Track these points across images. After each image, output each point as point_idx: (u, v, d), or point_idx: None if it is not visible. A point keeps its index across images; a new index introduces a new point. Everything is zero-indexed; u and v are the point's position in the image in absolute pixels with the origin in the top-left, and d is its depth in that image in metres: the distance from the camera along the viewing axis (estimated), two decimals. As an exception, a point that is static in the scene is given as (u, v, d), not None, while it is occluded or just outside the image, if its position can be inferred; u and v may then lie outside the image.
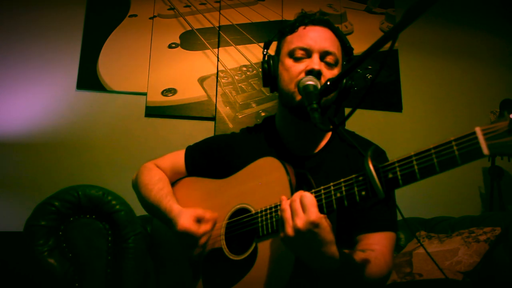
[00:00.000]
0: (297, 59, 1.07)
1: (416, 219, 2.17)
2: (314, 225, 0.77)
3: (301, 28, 1.09)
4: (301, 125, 1.12)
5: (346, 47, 1.13)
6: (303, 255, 0.82)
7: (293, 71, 1.06)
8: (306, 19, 1.10)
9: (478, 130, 0.62)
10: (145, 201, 1.20)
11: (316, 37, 1.07)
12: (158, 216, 1.16)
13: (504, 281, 1.57)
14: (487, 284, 1.62)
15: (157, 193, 1.17)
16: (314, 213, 0.77)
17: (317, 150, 1.14)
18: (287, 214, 0.80)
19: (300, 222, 0.77)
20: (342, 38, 1.13)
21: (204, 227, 1.04)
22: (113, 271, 1.32)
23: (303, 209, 0.79)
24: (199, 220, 1.05)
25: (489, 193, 2.52)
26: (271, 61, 1.13)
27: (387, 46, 0.78)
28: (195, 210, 1.06)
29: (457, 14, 3.05)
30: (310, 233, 0.77)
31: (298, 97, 1.04)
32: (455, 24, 3.03)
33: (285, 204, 0.82)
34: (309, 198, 0.79)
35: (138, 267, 1.34)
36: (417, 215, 2.21)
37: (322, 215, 0.79)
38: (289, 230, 0.79)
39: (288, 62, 1.08)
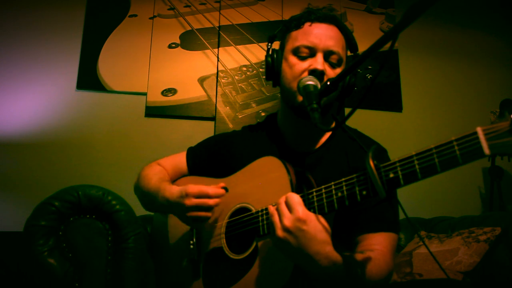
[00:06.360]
0: (301, 58, 1.06)
1: (416, 219, 2.16)
2: (302, 221, 0.77)
3: (307, 24, 1.08)
4: (301, 123, 1.11)
5: (351, 44, 1.12)
6: (297, 256, 0.81)
7: (296, 69, 1.05)
8: (312, 15, 1.08)
9: (479, 130, 0.62)
10: (143, 192, 1.18)
11: (321, 35, 1.05)
12: (156, 202, 1.11)
13: (504, 281, 1.57)
14: (487, 284, 1.62)
15: (156, 180, 1.15)
16: (300, 211, 0.78)
17: (317, 147, 1.14)
18: (275, 218, 0.81)
19: (288, 221, 0.78)
20: (348, 35, 1.12)
21: (216, 192, 1.01)
22: (113, 271, 1.32)
23: (289, 210, 0.80)
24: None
25: (489, 193, 2.51)
26: (275, 55, 1.12)
27: (387, 46, 0.78)
28: (197, 185, 1.03)
29: (457, 14, 3.05)
30: (299, 230, 0.78)
31: (300, 98, 1.03)
32: (455, 24, 3.03)
33: (272, 209, 0.83)
34: (293, 197, 0.80)
35: (138, 267, 1.34)
36: (417, 215, 2.20)
37: (310, 213, 0.80)
38: (279, 232, 0.79)
39: (292, 59, 1.07)
